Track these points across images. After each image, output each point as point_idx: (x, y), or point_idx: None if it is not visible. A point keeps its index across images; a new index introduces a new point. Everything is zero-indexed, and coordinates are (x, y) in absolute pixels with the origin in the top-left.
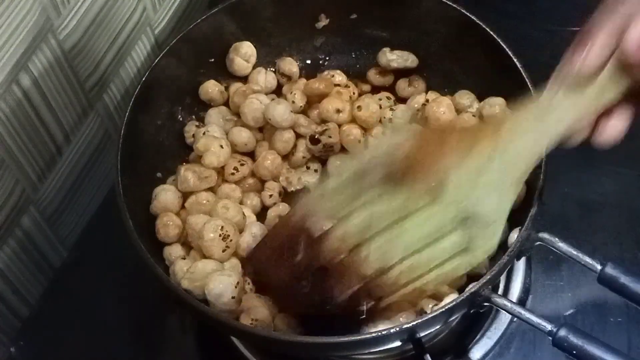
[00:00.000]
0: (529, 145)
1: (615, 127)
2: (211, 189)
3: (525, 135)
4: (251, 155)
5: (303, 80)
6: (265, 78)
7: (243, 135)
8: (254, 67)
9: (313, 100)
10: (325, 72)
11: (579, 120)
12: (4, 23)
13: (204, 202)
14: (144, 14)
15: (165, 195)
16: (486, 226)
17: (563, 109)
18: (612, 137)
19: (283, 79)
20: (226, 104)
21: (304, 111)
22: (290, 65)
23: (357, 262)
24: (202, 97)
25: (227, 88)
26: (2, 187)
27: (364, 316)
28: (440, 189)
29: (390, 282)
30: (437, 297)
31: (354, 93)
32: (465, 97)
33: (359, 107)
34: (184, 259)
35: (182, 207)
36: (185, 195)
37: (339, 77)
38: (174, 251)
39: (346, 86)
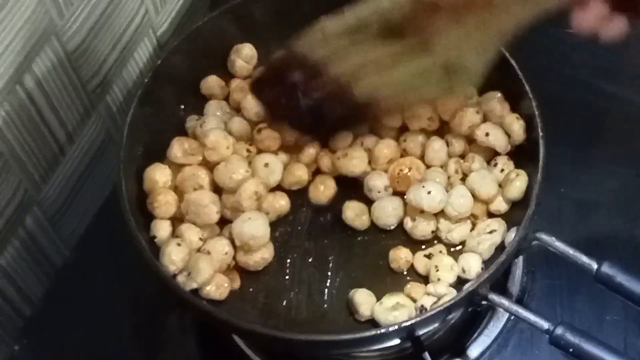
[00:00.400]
0: (514, 16)
1: (614, 29)
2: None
3: (512, 7)
4: None
5: None
6: None
7: (241, 126)
8: (254, 68)
9: None
10: None
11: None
12: (8, 25)
13: (193, 175)
14: (146, 16)
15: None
16: (465, 74)
17: None
18: (615, 34)
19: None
20: (226, 99)
21: None
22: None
23: (351, 89)
24: (204, 91)
25: (227, 84)
26: (5, 188)
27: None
28: (429, 45)
29: (379, 103)
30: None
31: None
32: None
33: None
34: (179, 245)
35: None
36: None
37: None
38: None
39: None
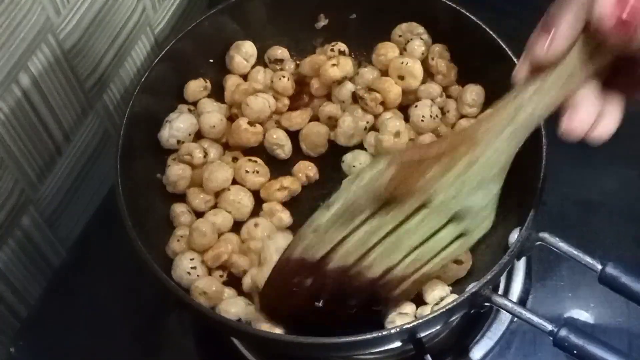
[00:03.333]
0: (505, 143)
1: (607, 126)
2: None
3: (501, 135)
4: None
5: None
6: (264, 77)
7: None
8: (253, 66)
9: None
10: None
11: (551, 108)
12: (4, 23)
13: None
14: (143, 13)
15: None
16: (477, 215)
17: (534, 102)
18: (604, 135)
19: (276, 65)
20: (210, 95)
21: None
22: (279, 50)
23: (364, 269)
24: (190, 99)
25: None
26: (1, 187)
27: (379, 308)
28: (428, 200)
29: (399, 276)
30: (445, 279)
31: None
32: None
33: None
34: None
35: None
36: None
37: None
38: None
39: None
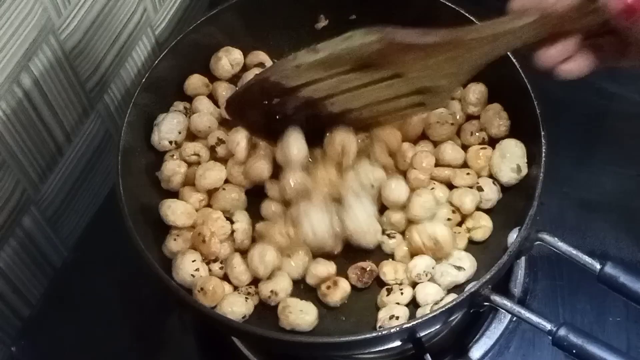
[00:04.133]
0: (483, 53)
1: (574, 69)
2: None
3: (482, 46)
4: None
5: None
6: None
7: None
8: (235, 74)
9: None
10: None
11: (531, 41)
12: (5, 24)
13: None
14: (144, 14)
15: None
16: (437, 93)
17: (520, 31)
18: (564, 74)
19: (259, 67)
20: (209, 96)
21: None
22: (261, 55)
23: (327, 104)
24: (189, 92)
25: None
26: (3, 187)
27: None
28: (402, 73)
29: (354, 116)
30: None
31: None
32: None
33: None
34: (194, 261)
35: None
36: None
37: None
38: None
39: None
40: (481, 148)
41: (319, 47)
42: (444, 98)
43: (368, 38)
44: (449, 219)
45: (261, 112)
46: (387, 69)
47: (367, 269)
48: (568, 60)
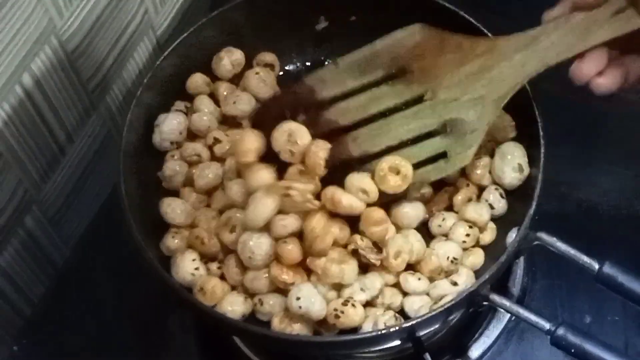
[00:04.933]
0: (515, 69)
1: (605, 83)
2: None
3: (514, 58)
4: None
5: None
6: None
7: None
8: (235, 74)
9: None
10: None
11: (565, 54)
12: (7, 25)
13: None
14: (146, 15)
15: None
16: (464, 135)
17: (553, 40)
18: (604, 90)
19: (266, 67)
20: (210, 95)
21: None
22: (269, 56)
23: (347, 140)
24: (191, 90)
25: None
26: (5, 187)
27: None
28: (431, 91)
29: (371, 168)
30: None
31: None
32: None
33: None
34: (194, 260)
35: None
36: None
37: None
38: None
39: None
40: (476, 158)
41: (356, 51)
42: (467, 148)
43: (408, 30)
44: (467, 235)
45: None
46: (418, 81)
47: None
48: (600, 74)
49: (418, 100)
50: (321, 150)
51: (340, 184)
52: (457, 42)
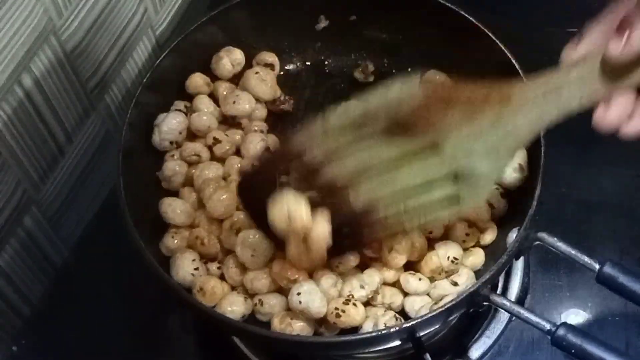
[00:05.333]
0: (532, 118)
1: (635, 129)
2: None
3: (532, 108)
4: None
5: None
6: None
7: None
8: (235, 73)
9: None
10: None
11: (587, 101)
12: (6, 24)
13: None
14: (145, 15)
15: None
16: (476, 185)
17: (575, 87)
18: (630, 133)
19: (266, 67)
20: (210, 95)
21: None
22: (269, 56)
23: (350, 193)
24: (190, 90)
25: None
26: (4, 187)
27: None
28: (439, 145)
29: (377, 220)
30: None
31: None
32: None
33: None
34: (194, 260)
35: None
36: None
37: None
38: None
39: None
40: None
41: (350, 102)
42: (479, 193)
43: (407, 86)
44: (467, 235)
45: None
46: (423, 133)
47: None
48: (629, 119)
49: (422, 151)
50: (322, 240)
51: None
52: (467, 93)
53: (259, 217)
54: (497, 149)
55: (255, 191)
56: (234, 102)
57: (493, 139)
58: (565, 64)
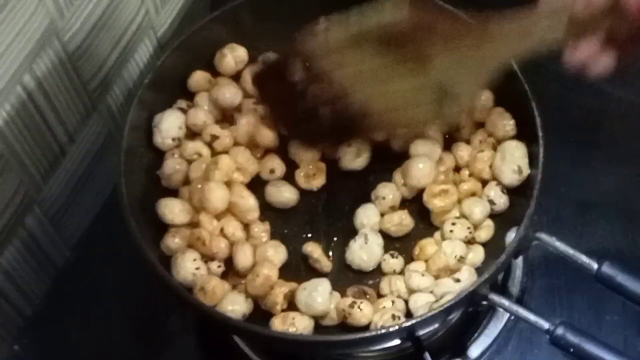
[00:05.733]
0: (505, 51)
1: (601, 66)
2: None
3: (506, 43)
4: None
5: None
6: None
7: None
8: (238, 70)
9: None
10: None
11: (558, 45)
12: (9, 26)
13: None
14: (146, 16)
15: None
16: (457, 100)
17: (546, 33)
18: (594, 74)
19: None
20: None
21: None
22: (272, 55)
23: (347, 95)
24: (192, 88)
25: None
26: (6, 188)
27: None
28: (427, 65)
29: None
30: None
31: None
32: None
33: None
34: (194, 260)
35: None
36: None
37: None
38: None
39: None
40: (479, 152)
41: (349, 16)
42: (462, 105)
43: (397, 13)
44: (469, 231)
45: (286, 91)
46: (411, 54)
47: (368, 294)
48: (594, 59)
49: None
50: (281, 294)
51: None
52: (451, 24)
53: (274, 107)
54: (474, 73)
55: (269, 84)
56: (223, 94)
57: (472, 64)
58: (540, 9)
